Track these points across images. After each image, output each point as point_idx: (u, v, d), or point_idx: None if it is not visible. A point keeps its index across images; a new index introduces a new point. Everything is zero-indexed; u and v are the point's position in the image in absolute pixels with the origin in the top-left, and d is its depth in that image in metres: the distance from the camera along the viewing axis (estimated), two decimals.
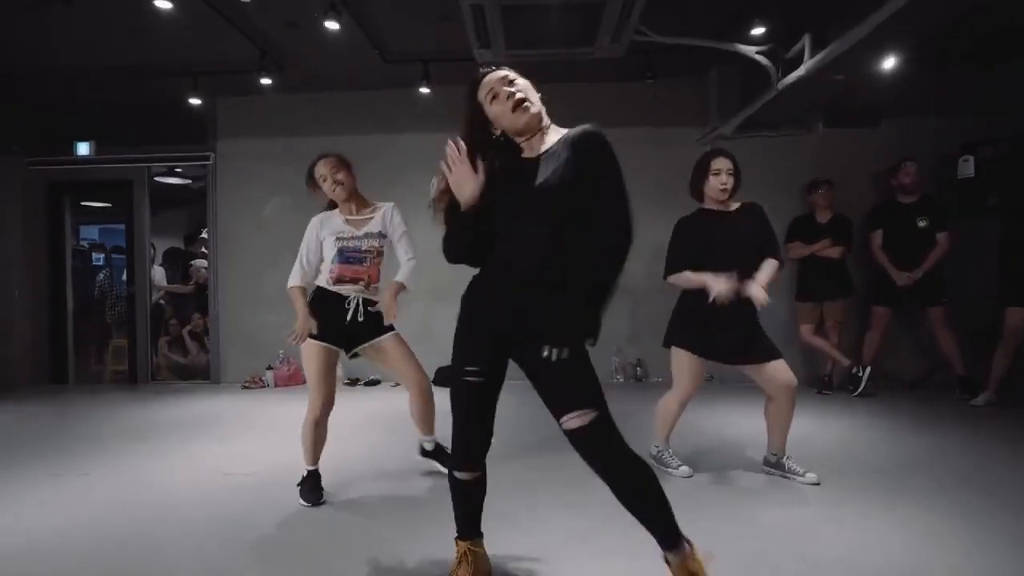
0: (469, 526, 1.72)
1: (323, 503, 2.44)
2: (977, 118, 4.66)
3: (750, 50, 3.77)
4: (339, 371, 4.67)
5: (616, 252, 1.49)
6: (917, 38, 3.29)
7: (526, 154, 1.61)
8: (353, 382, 5.19)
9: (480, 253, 1.63)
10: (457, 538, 1.73)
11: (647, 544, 1.54)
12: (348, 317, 2.44)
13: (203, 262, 5.91)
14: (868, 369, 4.36)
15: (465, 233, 1.61)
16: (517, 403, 2.09)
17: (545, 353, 1.45)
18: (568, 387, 1.49)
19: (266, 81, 4.39)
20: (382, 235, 2.51)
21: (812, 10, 3.52)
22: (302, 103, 5.27)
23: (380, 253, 2.53)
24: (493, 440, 1.68)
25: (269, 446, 3.36)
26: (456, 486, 1.68)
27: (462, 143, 1.60)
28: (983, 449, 3.11)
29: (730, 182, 2.57)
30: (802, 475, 2.58)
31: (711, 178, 2.59)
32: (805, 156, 4.93)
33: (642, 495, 1.50)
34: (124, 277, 6.12)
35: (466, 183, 1.58)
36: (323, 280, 2.52)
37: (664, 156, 4.97)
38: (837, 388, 4.53)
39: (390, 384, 5.19)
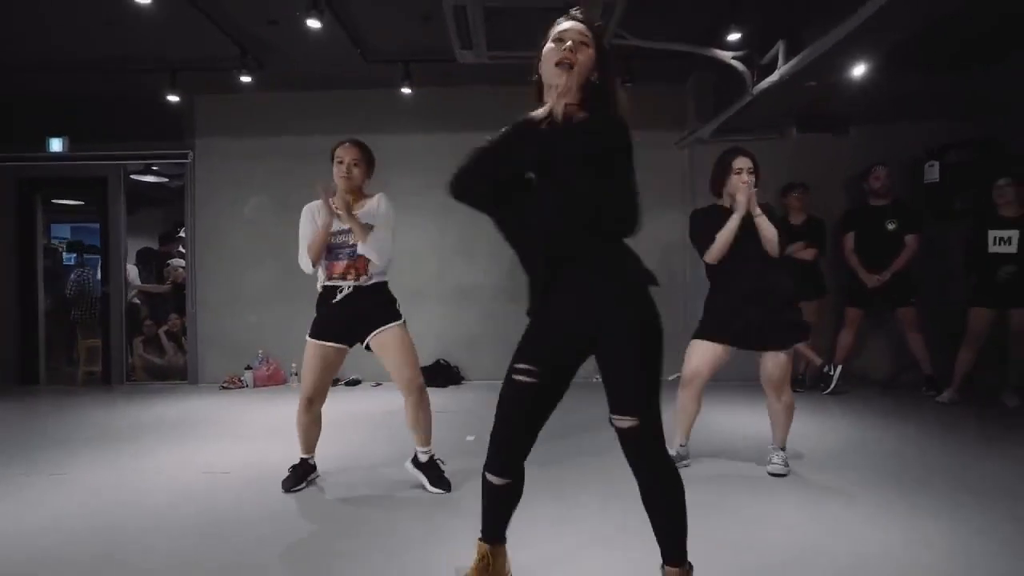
0: (493, 530, 1.64)
1: (295, 490, 2.53)
2: (943, 123, 4.82)
3: (726, 55, 3.85)
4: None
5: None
6: (887, 45, 3.39)
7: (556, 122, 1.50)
8: (333, 382, 5.16)
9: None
10: (480, 539, 1.65)
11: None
12: (337, 299, 2.47)
13: (180, 261, 5.83)
14: (839, 368, 4.47)
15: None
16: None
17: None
18: (623, 389, 1.47)
19: (246, 79, 4.36)
20: (369, 226, 2.50)
21: (786, 17, 3.62)
22: (282, 101, 5.24)
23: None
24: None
25: (249, 445, 3.34)
26: (487, 488, 1.60)
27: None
28: (944, 443, 3.23)
29: (751, 180, 2.65)
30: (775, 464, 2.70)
31: (732, 176, 2.67)
32: (780, 160, 5.03)
33: (664, 504, 1.51)
34: (99, 276, 6.02)
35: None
36: (320, 280, 2.56)
37: (644, 159, 5.02)
38: (810, 386, 4.64)
39: (370, 384, 5.18)
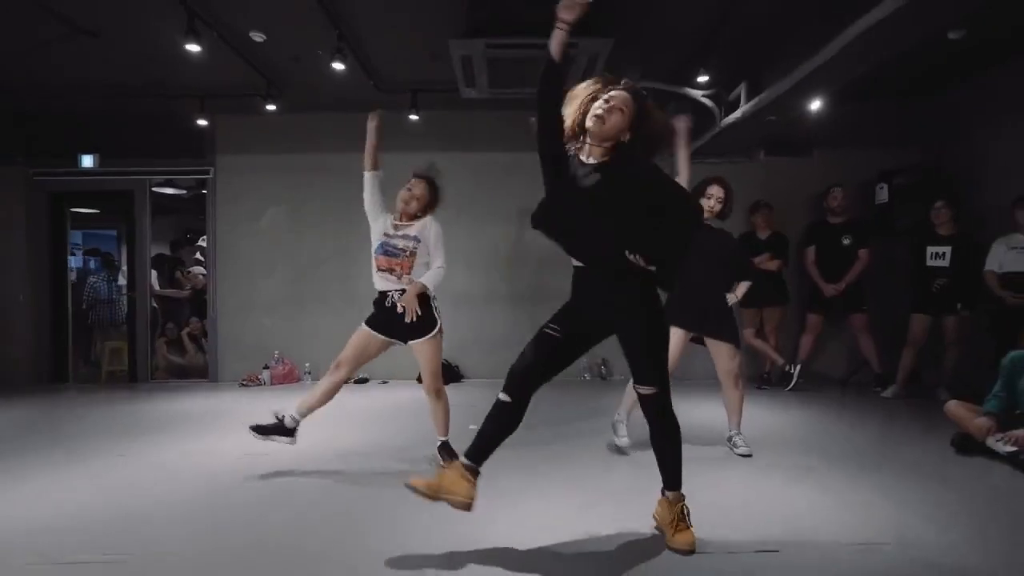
0: (477, 451, 2.09)
1: (257, 436, 2.96)
2: (892, 150, 5.41)
3: (697, 93, 4.40)
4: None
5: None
6: (837, 86, 3.93)
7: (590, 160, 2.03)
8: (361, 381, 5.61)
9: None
10: (463, 456, 2.11)
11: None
12: (388, 305, 2.90)
13: (200, 268, 6.28)
14: (799, 367, 5.02)
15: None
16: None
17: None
18: (640, 364, 2.08)
19: (271, 107, 4.83)
20: (417, 239, 2.91)
21: (747, 62, 4.16)
22: (297, 122, 5.70)
23: (413, 253, 2.91)
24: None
25: None
26: (495, 407, 2.09)
27: None
28: (884, 429, 3.77)
29: (717, 207, 3.19)
30: (741, 448, 3.19)
31: (703, 200, 3.20)
32: (749, 181, 5.57)
33: (668, 446, 2.14)
34: (98, 279, 6.46)
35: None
36: (373, 272, 3.00)
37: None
38: (774, 384, 5.18)
39: (378, 382, 5.65)
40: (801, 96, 4.00)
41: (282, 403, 4.74)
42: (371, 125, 3.11)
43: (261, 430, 2.96)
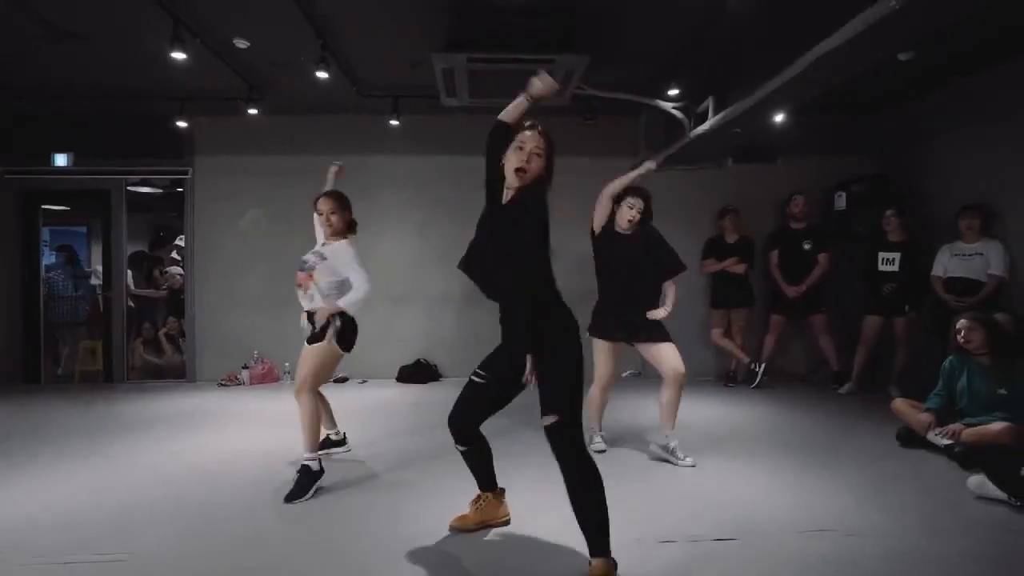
0: (481, 482, 2.35)
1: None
2: (851, 160, 5.72)
3: (667, 105, 4.61)
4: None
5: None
6: (797, 103, 4.17)
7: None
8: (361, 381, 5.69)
9: None
10: (479, 489, 2.35)
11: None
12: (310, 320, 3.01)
13: (178, 268, 6.27)
14: (763, 366, 5.30)
15: None
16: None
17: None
18: (545, 389, 1.95)
19: (253, 111, 4.88)
20: (323, 256, 3.01)
21: (714, 77, 4.39)
22: (277, 124, 5.72)
23: (312, 268, 3.01)
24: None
25: (261, 432, 3.89)
26: (461, 455, 2.27)
27: None
28: (837, 423, 4.06)
29: (636, 217, 3.26)
30: (683, 460, 3.13)
31: (624, 208, 3.29)
32: (717, 187, 5.83)
33: (586, 496, 1.89)
34: (56, 274, 6.38)
35: None
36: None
37: (599, 185, 5.77)
38: (740, 382, 5.45)
39: (357, 381, 5.75)
40: (765, 111, 4.22)
41: (263, 402, 4.87)
42: (332, 171, 3.31)
43: (298, 493, 2.73)
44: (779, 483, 2.87)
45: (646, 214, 3.33)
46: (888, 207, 4.97)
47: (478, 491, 2.38)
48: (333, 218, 3.04)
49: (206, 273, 5.86)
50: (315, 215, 3.13)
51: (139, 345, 6.06)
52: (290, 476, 2.86)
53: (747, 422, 4.15)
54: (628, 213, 3.29)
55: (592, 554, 1.90)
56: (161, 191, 6.88)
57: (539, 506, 2.50)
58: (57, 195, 6.07)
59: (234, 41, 3.98)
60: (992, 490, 2.58)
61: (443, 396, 5.05)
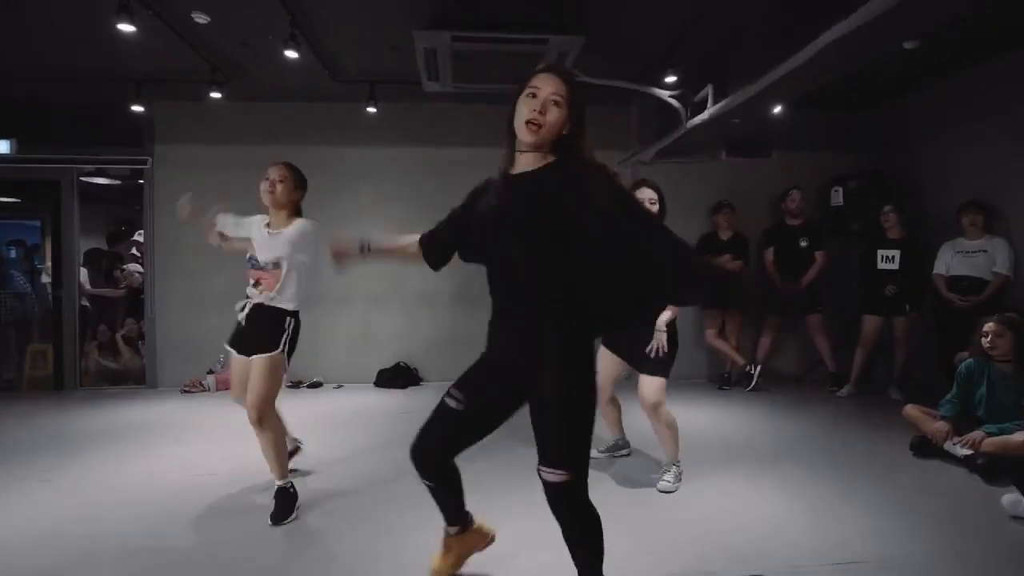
0: (448, 518, 1.89)
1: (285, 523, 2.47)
2: (847, 155, 5.55)
3: (664, 93, 4.35)
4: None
5: None
6: (800, 94, 3.96)
7: (518, 170, 1.57)
8: (296, 384, 5.34)
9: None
10: (446, 527, 1.91)
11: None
12: (238, 318, 2.62)
13: (136, 266, 5.82)
14: (759, 367, 5.10)
15: None
16: None
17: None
18: (551, 439, 1.51)
19: (216, 95, 4.48)
20: (284, 245, 2.57)
21: (713, 65, 4.14)
22: (244, 112, 5.32)
23: (277, 265, 2.57)
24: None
25: (229, 447, 3.53)
26: (429, 490, 1.80)
27: None
28: (839, 429, 3.87)
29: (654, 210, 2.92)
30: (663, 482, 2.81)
31: None
32: (711, 181, 5.62)
33: (586, 545, 1.60)
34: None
35: None
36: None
37: None
38: (735, 384, 5.25)
39: (332, 386, 5.40)
40: (767, 101, 4.00)
41: (231, 410, 4.49)
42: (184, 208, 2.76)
43: (282, 515, 2.47)
44: (792, 503, 2.64)
45: (662, 208, 2.90)
46: (886, 203, 4.80)
47: (447, 529, 1.93)
48: (279, 187, 2.58)
49: (168, 271, 5.44)
50: (262, 182, 2.63)
51: (94, 349, 5.61)
52: (263, 499, 2.57)
53: (747, 430, 3.93)
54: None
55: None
56: (120, 182, 6.40)
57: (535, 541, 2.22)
58: (11, 186, 5.56)
59: (192, 15, 3.59)
60: None
61: (425, 402, 4.74)
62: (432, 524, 1.97)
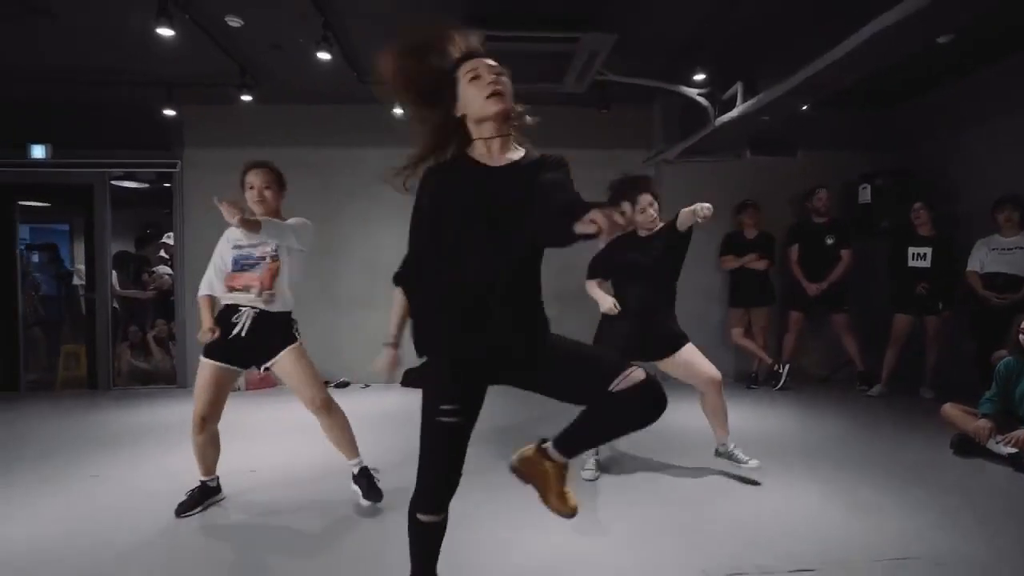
0: (427, 571, 1.62)
1: (188, 515, 2.48)
2: (875, 153, 5.50)
3: (692, 92, 4.34)
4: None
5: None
6: (833, 90, 3.92)
7: (485, 160, 1.54)
8: (342, 384, 5.37)
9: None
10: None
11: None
12: (236, 331, 2.41)
13: (166, 268, 5.91)
14: (787, 367, 5.06)
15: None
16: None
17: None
18: (593, 364, 1.50)
19: (246, 98, 4.55)
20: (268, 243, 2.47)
21: (743, 62, 4.13)
22: (270, 114, 5.38)
23: (275, 259, 2.47)
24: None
25: (265, 445, 3.57)
26: (417, 531, 1.57)
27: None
28: (870, 429, 3.82)
29: (655, 214, 2.89)
30: (746, 462, 2.85)
31: (638, 214, 2.87)
32: (735, 180, 5.58)
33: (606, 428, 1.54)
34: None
35: None
36: (220, 294, 2.53)
37: (614, 176, 5.50)
38: (762, 383, 5.21)
39: (360, 386, 5.43)
40: (798, 98, 3.98)
41: (263, 409, 4.55)
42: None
43: (187, 507, 2.51)
44: (838, 501, 2.61)
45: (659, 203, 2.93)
46: (914, 200, 4.75)
47: None
48: (267, 193, 2.50)
49: (197, 273, 5.48)
50: (246, 191, 2.52)
51: (126, 350, 5.70)
52: (297, 496, 2.64)
53: (779, 430, 3.90)
54: (647, 213, 2.86)
55: (554, 443, 1.55)
56: (147, 186, 6.51)
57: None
58: (35, 189, 5.68)
59: (226, 19, 3.65)
60: None
61: None
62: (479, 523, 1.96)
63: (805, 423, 4.01)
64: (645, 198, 2.88)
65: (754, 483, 2.81)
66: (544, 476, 1.56)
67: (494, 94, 1.48)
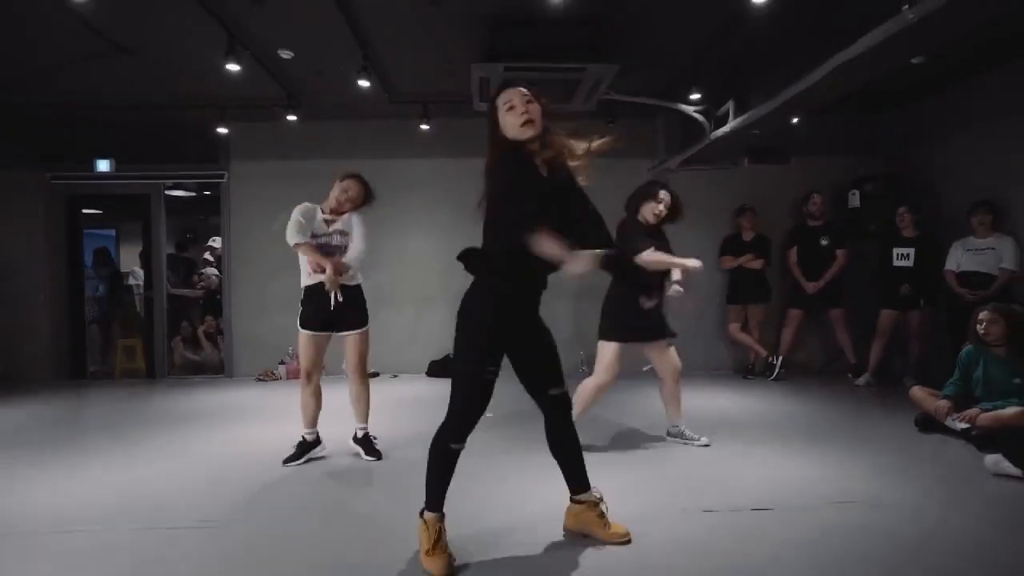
0: (441, 499, 2.03)
1: (292, 464, 3.13)
2: (862, 158, 5.89)
3: (689, 109, 4.80)
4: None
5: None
6: (816, 106, 4.34)
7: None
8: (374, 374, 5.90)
9: None
10: (428, 512, 2.00)
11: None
12: (330, 304, 3.09)
13: (213, 270, 6.50)
14: (781, 358, 5.48)
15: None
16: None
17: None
18: (548, 368, 2.12)
19: (292, 117, 5.10)
20: (344, 232, 3.17)
21: (733, 81, 4.58)
22: (310, 129, 5.93)
23: (346, 248, 3.16)
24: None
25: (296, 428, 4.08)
26: (448, 458, 1.99)
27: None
28: (856, 413, 4.24)
29: (663, 212, 3.27)
30: (697, 439, 3.33)
31: (651, 204, 3.28)
32: (734, 186, 6.01)
33: (577, 446, 2.18)
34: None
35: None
36: (304, 277, 3.19)
37: (620, 184, 5.93)
38: (758, 374, 5.63)
39: (389, 376, 5.96)
40: (784, 114, 4.41)
41: (298, 396, 5.08)
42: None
43: (294, 458, 3.19)
44: (804, 463, 3.06)
45: (676, 211, 3.33)
46: (900, 204, 5.15)
47: (430, 513, 2.06)
48: (349, 205, 3.24)
49: (242, 274, 6.09)
50: (336, 191, 3.22)
51: (179, 343, 6.30)
52: (328, 469, 3.14)
53: (767, 410, 4.33)
54: (654, 209, 3.25)
55: (582, 489, 2.19)
56: (194, 194, 7.12)
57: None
58: (98, 199, 6.31)
59: (279, 51, 4.20)
60: (1008, 467, 2.77)
61: None
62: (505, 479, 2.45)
63: (792, 407, 4.44)
64: (663, 194, 3.29)
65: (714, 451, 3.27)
66: (588, 522, 2.17)
67: (526, 123, 1.91)
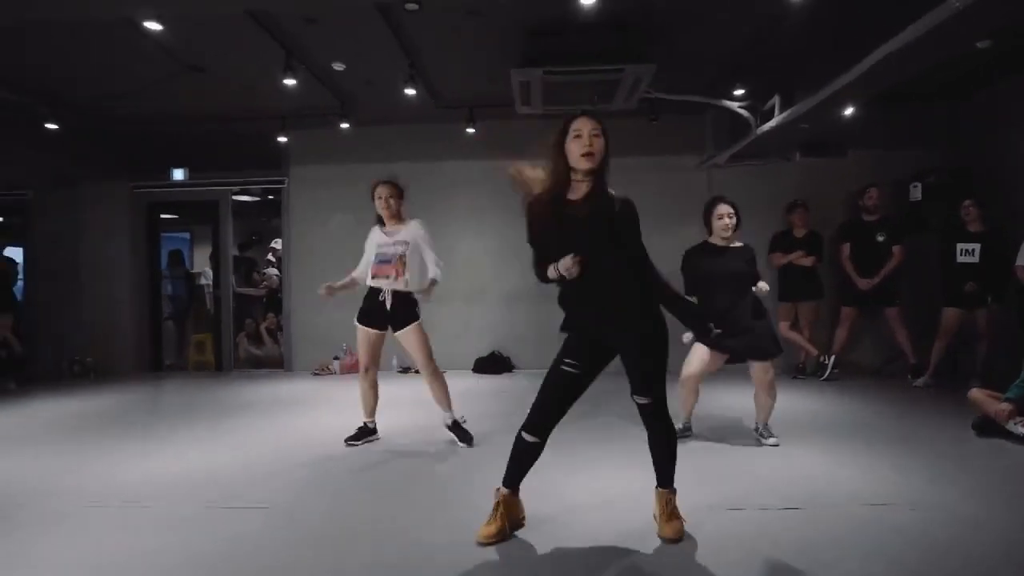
0: (513, 478, 2.25)
1: (353, 445, 3.43)
2: (923, 151, 5.61)
3: (733, 104, 4.74)
4: (394, 361, 5.69)
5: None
6: (865, 98, 4.22)
7: (573, 196, 2.13)
8: (405, 370, 6.16)
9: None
10: (500, 487, 2.24)
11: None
12: (382, 303, 3.36)
13: (274, 270, 6.92)
14: (833, 358, 5.32)
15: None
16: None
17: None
18: (638, 376, 2.17)
19: (345, 124, 5.38)
20: (405, 242, 3.37)
21: (780, 76, 4.48)
22: (362, 135, 6.19)
23: (402, 257, 3.36)
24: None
25: (351, 416, 4.32)
26: (519, 445, 2.21)
27: None
28: (915, 415, 4.08)
29: (732, 222, 3.27)
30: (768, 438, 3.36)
31: (715, 221, 3.29)
32: (785, 181, 5.86)
33: (663, 449, 2.25)
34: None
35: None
36: (366, 280, 3.48)
37: (668, 180, 5.95)
38: (809, 374, 5.48)
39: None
40: (832, 106, 4.29)
41: (351, 390, 5.35)
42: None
43: (355, 439, 3.51)
44: (848, 462, 3.00)
45: (738, 219, 3.32)
46: (964, 197, 4.89)
47: (502, 487, 2.27)
48: (392, 201, 3.41)
49: (300, 273, 6.46)
50: (377, 204, 3.45)
51: (243, 339, 6.75)
52: (382, 457, 3.32)
53: (816, 410, 4.23)
54: (720, 224, 3.26)
55: (662, 484, 2.28)
56: (257, 199, 7.59)
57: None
58: (173, 205, 6.84)
59: (333, 64, 4.45)
60: None
61: (518, 385, 5.40)
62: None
63: (843, 407, 4.31)
64: (723, 207, 3.30)
65: (769, 447, 3.29)
66: (656, 512, 2.28)
67: (587, 154, 2.08)
